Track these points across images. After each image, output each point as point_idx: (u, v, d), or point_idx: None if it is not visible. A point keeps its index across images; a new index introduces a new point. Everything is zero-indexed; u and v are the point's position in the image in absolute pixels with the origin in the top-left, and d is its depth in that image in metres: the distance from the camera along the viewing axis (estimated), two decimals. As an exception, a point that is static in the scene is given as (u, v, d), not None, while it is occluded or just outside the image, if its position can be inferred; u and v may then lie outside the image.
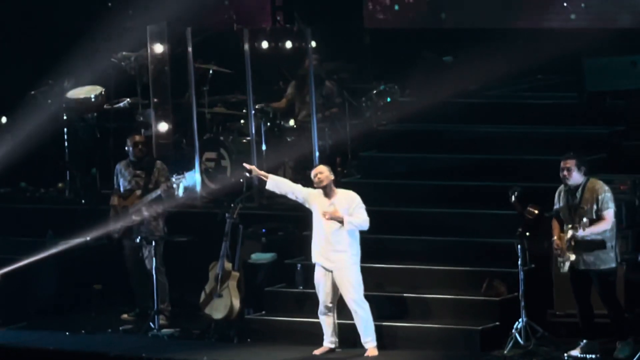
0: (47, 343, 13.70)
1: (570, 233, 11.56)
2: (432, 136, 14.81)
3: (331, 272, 12.47)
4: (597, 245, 11.79)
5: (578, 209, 11.58)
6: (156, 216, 13.96)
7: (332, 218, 12.43)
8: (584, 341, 12.12)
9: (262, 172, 13.38)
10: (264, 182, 13.28)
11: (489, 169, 14.04)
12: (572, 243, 11.71)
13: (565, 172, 11.53)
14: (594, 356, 12.24)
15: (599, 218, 11.47)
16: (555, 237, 11.73)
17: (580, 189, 11.57)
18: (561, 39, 16.21)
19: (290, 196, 13.07)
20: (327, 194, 12.66)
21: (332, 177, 12.79)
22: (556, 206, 11.87)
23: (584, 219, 11.48)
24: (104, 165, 15.54)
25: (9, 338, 14.05)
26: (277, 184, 13.10)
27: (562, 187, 11.81)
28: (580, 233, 11.40)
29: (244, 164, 13.91)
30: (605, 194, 11.61)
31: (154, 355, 13.11)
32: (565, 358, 12.29)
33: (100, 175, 15.76)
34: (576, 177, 11.53)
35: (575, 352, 12.17)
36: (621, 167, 13.11)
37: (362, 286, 12.53)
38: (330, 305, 12.63)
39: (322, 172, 12.77)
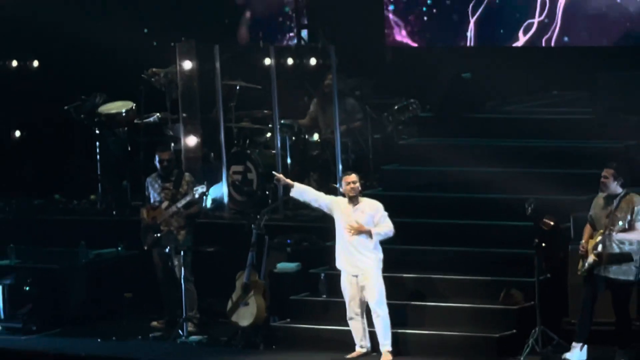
0: (79, 349, 13.83)
1: (599, 238, 11.73)
2: (450, 150, 14.77)
3: (356, 277, 12.58)
4: (625, 257, 11.86)
5: (612, 216, 11.66)
6: (183, 226, 14.07)
7: (358, 232, 12.60)
8: (583, 345, 12.23)
9: (289, 180, 13.43)
10: (289, 190, 13.42)
11: (505, 182, 13.96)
12: (600, 249, 11.89)
13: (603, 179, 11.73)
14: (584, 358, 12.28)
15: (631, 228, 11.68)
16: (584, 240, 11.87)
17: (618, 199, 11.74)
18: (575, 55, 16.30)
19: (314, 204, 13.17)
20: (353, 201, 12.82)
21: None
22: (591, 212, 12.05)
23: (620, 223, 11.70)
24: (135, 178, 15.59)
25: (44, 344, 14.07)
26: (301, 191, 13.19)
27: (599, 194, 11.97)
28: (614, 235, 11.60)
29: (273, 172, 14.03)
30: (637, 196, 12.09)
31: None
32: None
33: (131, 188, 15.80)
34: (613, 187, 11.72)
35: (572, 356, 12.17)
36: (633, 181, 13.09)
37: (384, 290, 12.73)
38: (359, 310, 12.71)
39: (355, 182, 12.86)
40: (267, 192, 15.41)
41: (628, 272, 11.94)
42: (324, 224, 13.96)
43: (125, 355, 13.76)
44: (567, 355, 12.18)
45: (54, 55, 18.49)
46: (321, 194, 13.37)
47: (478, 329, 12.84)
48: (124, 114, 16.25)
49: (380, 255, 12.69)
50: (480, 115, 15.20)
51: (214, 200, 15.29)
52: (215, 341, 13.66)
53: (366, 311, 13.13)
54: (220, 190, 15.41)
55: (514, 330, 12.61)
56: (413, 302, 13.18)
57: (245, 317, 13.43)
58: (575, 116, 14.62)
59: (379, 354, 12.80)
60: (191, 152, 15.46)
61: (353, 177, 13.01)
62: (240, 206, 15.41)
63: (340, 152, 14.71)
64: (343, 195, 13.00)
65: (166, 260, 13.86)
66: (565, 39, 16.04)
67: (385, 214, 12.86)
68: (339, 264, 12.77)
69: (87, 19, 17.67)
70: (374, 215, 12.63)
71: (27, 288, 14.54)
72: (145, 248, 14.28)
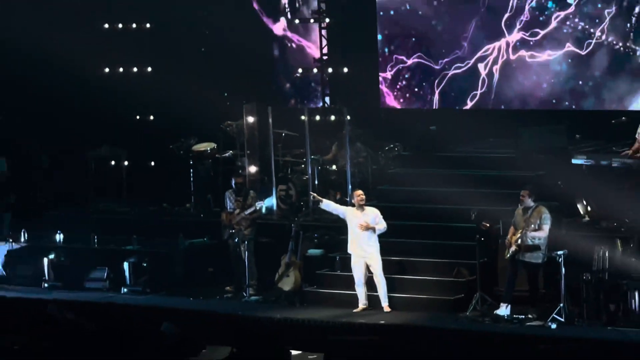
0: (178, 305, 14.19)
1: (519, 235, 11.99)
2: (423, 176, 14.66)
3: (364, 258, 12.89)
4: (535, 248, 12.06)
5: (527, 221, 12.00)
6: (248, 225, 14.35)
7: (366, 229, 12.94)
8: (507, 305, 12.41)
9: (318, 197, 13.90)
10: (319, 203, 13.85)
11: (459, 198, 13.56)
12: (519, 242, 12.03)
13: (521, 197, 11.98)
14: (508, 313, 12.38)
15: (539, 229, 11.88)
16: (509, 236, 12.13)
17: (531, 209, 11.87)
18: (506, 114, 16.24)
19: (334, 212, 13.47)
20: (361, 209, 13.09)
21: None
22: (514, 218, 12.20)
23: (532, 225, 11.93)
24: (217, 193, 15.60)
25: (154, 301, 14.34)
26: (327, 204, 13.53)
27: (519, 206, 12.13)
28: (528, 233, 11.85)
29: (310, 192, 14.50)
30: (546, 214, 11.91)
31: (246, 313, 13.68)
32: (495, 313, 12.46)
33: (213, 199, 15.81)
34: (528, 201, 11.90)
35: (500, 312, 12.38)
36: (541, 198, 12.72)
37: (382, 265, 13.10)
38: (363, 280, 12.95)
39: (361, 196, 13.18)
40: (302, 203, 15.27)
41: (537, 257, 12.21)
42: (339, 224, 14.07)
43: (209, 309, 14.02)
44: (497, 311, 12.38)
45: (164, 111, 18.21)
46: (340, 206, 13.76)
47: (440, 293, 13.11)
48: (209, 151, 16.19)
49: (378, 244, 13.05)
50: (442, 154, 15.07)
51: (267, 208, 15.03)
52: (267, 300, 13.94)
53: (367, 282, 13.28)
54: (272, 201, 15.01)
55: (462, 295, 12.82)
56: (398, 276, 13.36)
57: (287, 284, 13.64)
58: (505, 155, 14.49)
59: (377, 309, 13.03)
60: (253, 176, 15.32)
61: (360, 192, 13.36)
62: (284, 212, 15.37)
63: (350, 177, 14.74)
64: (353, 205, 13.30)
65: (236, 247, 14.02)
66: (502, 106, 15.80)
67: (381, 216, 13.24)
68: (351, 250, 13.01)
69: (188, 91, 17.23)
70: (375, 218, 12.91)
71: (145, 264, 14.60)
72: (224, 239, 14.51)
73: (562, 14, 15.36)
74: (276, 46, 18.23)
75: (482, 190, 13.87)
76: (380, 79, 16.66)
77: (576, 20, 15.30)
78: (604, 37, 15.14)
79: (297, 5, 17.93)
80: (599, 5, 14.94)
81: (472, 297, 12.21)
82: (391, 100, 16.75)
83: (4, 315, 13.52)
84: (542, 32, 15.35)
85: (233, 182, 14.09)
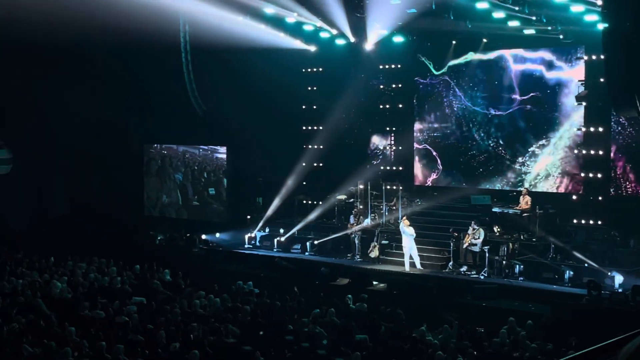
0: (329, 261, 20.08)
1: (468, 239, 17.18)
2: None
3: (408, 246, 18.42)
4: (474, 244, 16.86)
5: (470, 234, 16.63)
6: (359, 230, 20.28)
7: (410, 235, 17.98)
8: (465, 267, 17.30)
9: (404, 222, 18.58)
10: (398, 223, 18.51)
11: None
12: (467, 242, 17.29)
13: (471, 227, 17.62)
14: (465, 269, 18.22)
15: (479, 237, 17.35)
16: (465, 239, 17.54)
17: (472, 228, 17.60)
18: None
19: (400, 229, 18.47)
20: (406, 224, 18.14)
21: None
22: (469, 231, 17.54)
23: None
24: (347, 215, 22.08)
25: (317, 258, 20.15)
26: (402, 226, 18.39)
27: (472, 225, 17.97)
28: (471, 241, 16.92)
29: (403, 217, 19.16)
30: (482, 230, 18.05)
31: (355, 265, 19.59)
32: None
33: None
34: (475, 226, 18.07)
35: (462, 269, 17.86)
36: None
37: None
38: (408, 254, 18.26)
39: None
40: (379, 223, 21.14)
41: (476, 248, 18.16)
42: (394, 230, 20.02)
43: (340, 262, 19.87)
44: (460, 269, 17.49)
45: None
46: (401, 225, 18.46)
47: (435, 260, 19.19)
48: (344, 199, 22.98)
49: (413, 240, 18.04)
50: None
51: (366, 222, 21.21)
52: (365, 261, 20.05)
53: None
54: (368, 220, 21.50)
55: (444, 263, 19.22)
56: (420, 253, 19.10)
57: (373, 254, 20.29)
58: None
59: (412, 268, 18.75)
60: (361, 211, 21.63)
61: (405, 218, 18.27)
62: (372, 225, 21.17)
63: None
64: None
65: (354, 239, 20.44)
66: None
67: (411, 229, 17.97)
68: (404, 242, 18.76)
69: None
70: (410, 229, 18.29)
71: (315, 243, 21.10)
72: (348, 234, 20.71)
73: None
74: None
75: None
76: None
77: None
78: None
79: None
80: None
81: (448, 263, 18.85)
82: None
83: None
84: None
85: (353, 211, 21.33)
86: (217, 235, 23.06)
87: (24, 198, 24.79)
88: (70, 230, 23.71)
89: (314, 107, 24.88)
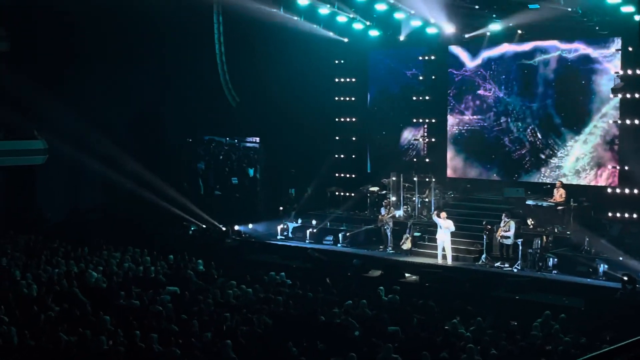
0: (362, 253, 20.51)
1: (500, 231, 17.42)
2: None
3: (441, 240, 18.65)
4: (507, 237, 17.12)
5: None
6: (389, 221, 20.47)
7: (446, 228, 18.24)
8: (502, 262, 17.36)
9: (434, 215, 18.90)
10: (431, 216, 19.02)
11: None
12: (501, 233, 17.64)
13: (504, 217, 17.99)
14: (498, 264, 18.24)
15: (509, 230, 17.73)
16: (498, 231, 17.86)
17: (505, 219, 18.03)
18: None
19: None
20: (440, 218, 18.48)
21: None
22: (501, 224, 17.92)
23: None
24: (377, 207, 21.99)
25: (350, 250, 20.34)
26: (435, 217, 18.58)
27: (503, 217, 18.35)
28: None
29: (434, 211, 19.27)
30: (513, 222, 18.26)
31: (387, 257, 19.72)
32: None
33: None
34: (506, 219, 18.37)
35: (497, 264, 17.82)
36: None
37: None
38: (442, 246, 18.49)
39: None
40: (412, 215, 21.64)
41: (509, 241, 18.14)
42: (429, 222, 20.32)
43: (372, 254, 20.01)
44: (497, 264, 17.47)
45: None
46: (435, 218, 18.84)
47: (467, 252, 19.43)
48: (376, 190, 23.07)
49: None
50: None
51: (398, 214, 21.40)
52: (397, 252, 20.10)
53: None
54: (400, 212, 21.74)
55: (477, 255, 19.06)
56: (453, 245, 19.26)
57: (405, 246, 20.40)
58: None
59: (444, 260, 18.94)
60: (392, 203, 21.59)
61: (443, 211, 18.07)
62: (404, 217, 21.58)
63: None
64: (438, 216, 18.92)
65: (385, 230, 20.55)
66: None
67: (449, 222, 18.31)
68: (438, 235, 18.90)
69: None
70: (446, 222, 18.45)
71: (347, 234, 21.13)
72: (379, 226, 20.98)
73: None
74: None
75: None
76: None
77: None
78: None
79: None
80: None
81: (481, 256, 18.88)
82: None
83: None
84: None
85: (384, 202, 21.32)
86: (250, 226, 23.23)
87: (60, 188, 25.09)
88: (104, 219, 24.20)
89: (347, 98, 25.24)
